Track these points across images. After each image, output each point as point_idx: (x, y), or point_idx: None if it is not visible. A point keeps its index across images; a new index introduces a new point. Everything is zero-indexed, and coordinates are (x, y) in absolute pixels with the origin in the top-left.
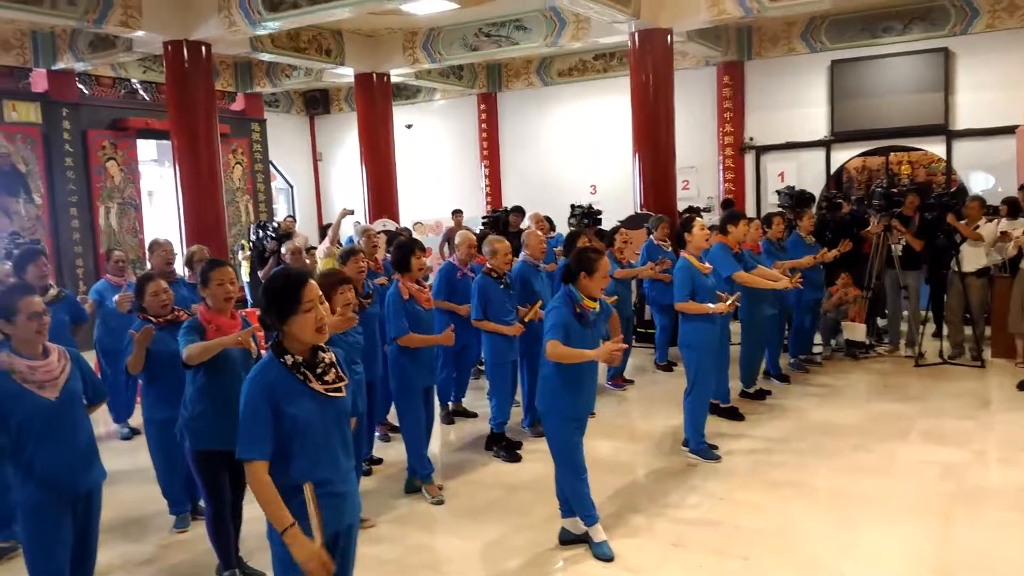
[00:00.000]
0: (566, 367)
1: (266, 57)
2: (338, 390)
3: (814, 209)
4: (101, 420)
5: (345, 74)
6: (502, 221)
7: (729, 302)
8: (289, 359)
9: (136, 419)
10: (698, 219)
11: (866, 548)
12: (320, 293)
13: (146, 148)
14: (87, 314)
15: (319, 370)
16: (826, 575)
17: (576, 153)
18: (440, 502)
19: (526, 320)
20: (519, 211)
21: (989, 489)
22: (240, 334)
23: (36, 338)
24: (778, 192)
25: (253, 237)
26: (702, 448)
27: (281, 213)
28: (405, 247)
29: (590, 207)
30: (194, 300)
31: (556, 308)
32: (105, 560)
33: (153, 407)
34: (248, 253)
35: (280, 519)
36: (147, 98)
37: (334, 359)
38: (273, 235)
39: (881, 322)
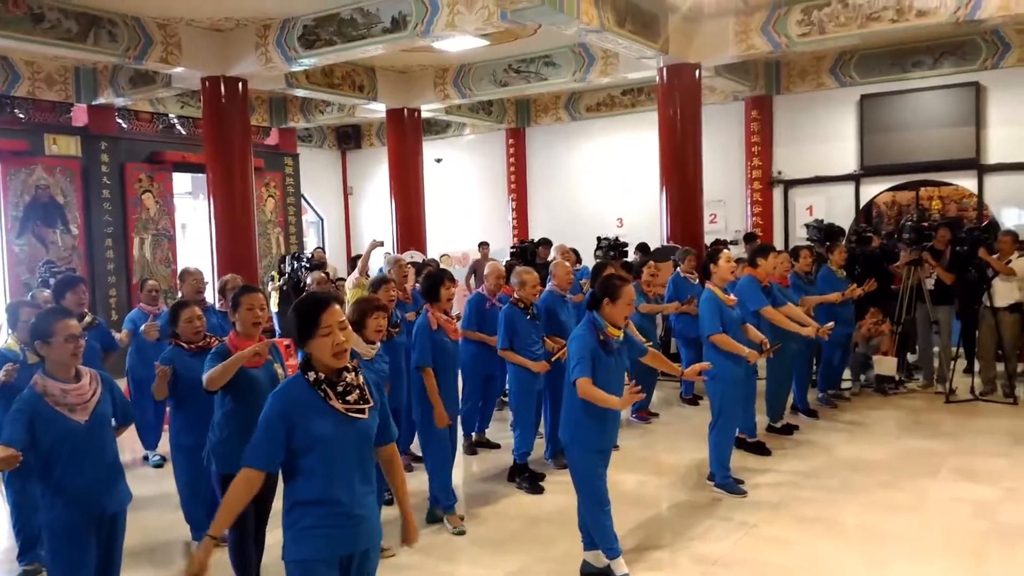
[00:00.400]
0: (593, 405)
1: (301, 93)
2: (360, 411)
3: (843, 243)
4: (129, 447)
5: (377, 110)
6: (530, 252)
7: (766, 350)
8: (312, 375)
9: (164, 445)
10: (725, 251)
11: None
12: (342, 318)
13: (181, 181)
14: (118, 343)
15: (340, 389)
16: None
17: (603, 187)
18: (461, 532)
19: (553, 359)
20: (547, 243)
21: (1022, 528)
22: (257, 345)
23: (71, 361)
24: (807, 226)
25: (288, 268)
26: (728, 482)
27: (311, 245)
28: (435, 277)
29: (616, 239)
30: (224, 328)
31: (580, 336)
32: None
33: (180, 433)
34: (278, 284)
35: (218, 526)
36: (183, 132)
37: (361, 381)
38: (307, 266)
39: (911, 358)
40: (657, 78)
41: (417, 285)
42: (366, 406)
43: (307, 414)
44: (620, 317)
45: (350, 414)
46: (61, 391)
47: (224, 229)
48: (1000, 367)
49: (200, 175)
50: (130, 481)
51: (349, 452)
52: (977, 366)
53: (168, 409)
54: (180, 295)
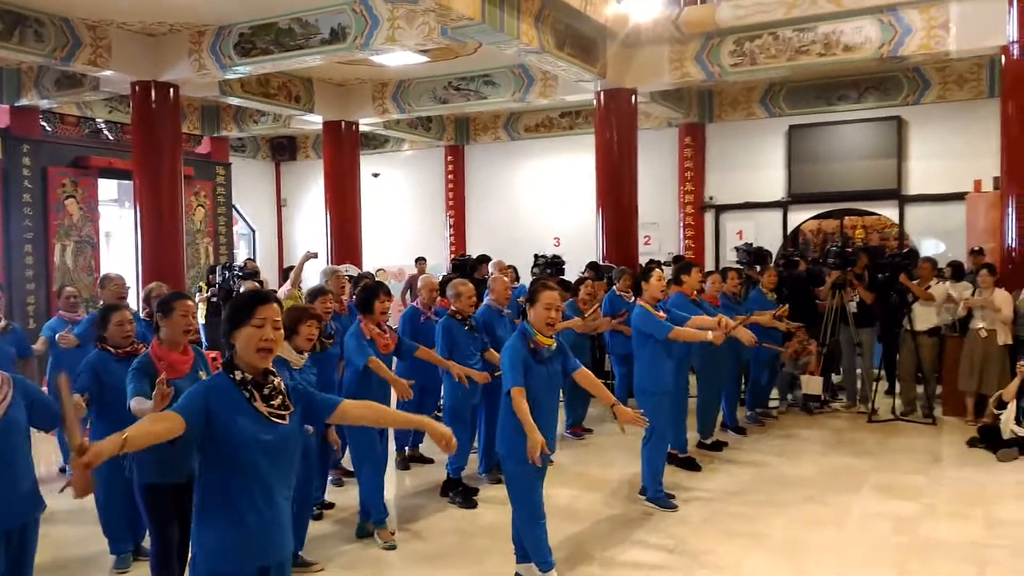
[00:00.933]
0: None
1: (235, 101)
2: (282, 417)
3: (772, 266)
4: (44, 459)
5: (314, 121)
6: (469, 267)
7: (733, 326)
8: (239, 375)
9: None
10: (657, 270)
11: None
12: (278, 318)
13: (107, 188)
14: (32, 350)
15: (266, 391)
16: None
17: (541, 206)
18: (392, 547)
19: (496, 374)
20: (486, 260)
21: (941, 542)
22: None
23: None
24: (736, 249)
25: (219, 278)
26: (660, 496)
27: (242, 257)
28: (370, 290)
29: (554, 257)
30: (147, 336)
31: (511, 346)
32: None
33: (100, 439)
34: (205, 295)
35: (130, 439)
36: (111, 137)
37: (283, 387)
38: (240, 274)
39: (836, 378)
40: (595, 101)
41: (353, 297)
42: (287, 412)
43: (229, 411)
44: (541, 320)
45: (273, 419)
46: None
47: (151, 237)
48: (920, 388)
49: (127, 182)
50: (45, 494)
51: (268, 458)
52: (898, 387)
53: (89, 416)
54: (101, 302)
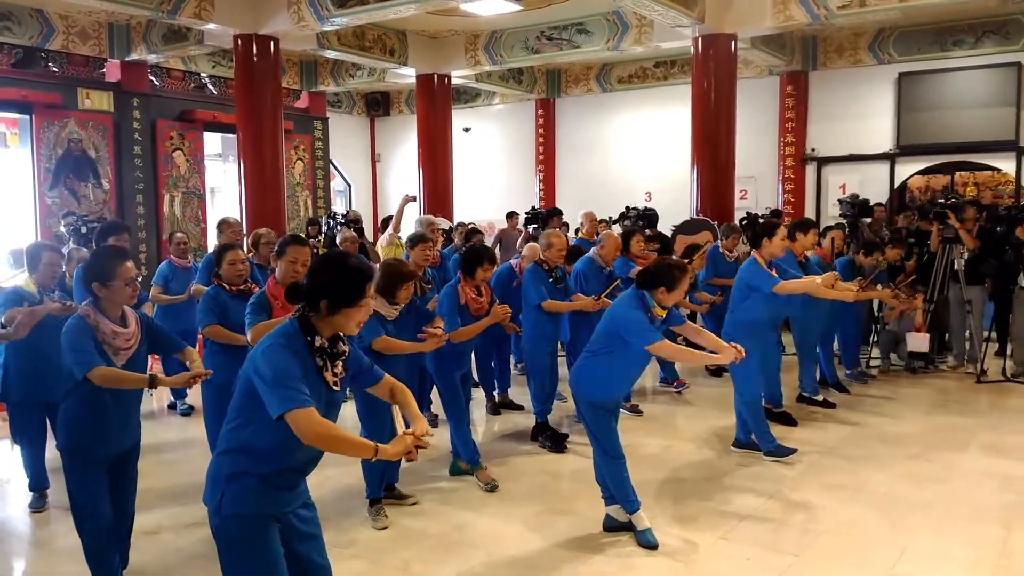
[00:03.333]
0: (622, 368)
1: (332, 54)
2: (337, 384)
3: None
4: (156, 396)
5: (407, 74)
6: (542, 219)
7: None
8: (318, 340)
9: (192, 396)
10: (782, 227)
11: (922, 552)
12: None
13: (211, 143)
14: (145, 295)
15: (335, 362)
16: (882, 575)
17: (632, 160)
18: (493, 488)
19: (605, 295)
20: (558, 213)
21: None
22: None
23: (127, 303)
24: (840, 201)
25: (324, 227)
26: (774, 447)
27: (339, 210)
28: (477, 254)
29: (645, 209)
30: (257, 279)
31: (630, 307)
32: (155, 520)
33: (213, 371)
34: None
35: (363, 446)
36: (215, 92)
37: (347, 354)
38: (343, 222)
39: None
40: (692, 48)
41: (458, 247)
42: (340, 378)
43: (307, 376)
44: (672, 302)
45: (335, 388)
46: (112, 332)
47: (254, 189)
48: None
49: (230, 136)
50: (156, 429)
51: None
52: (1009, 348)
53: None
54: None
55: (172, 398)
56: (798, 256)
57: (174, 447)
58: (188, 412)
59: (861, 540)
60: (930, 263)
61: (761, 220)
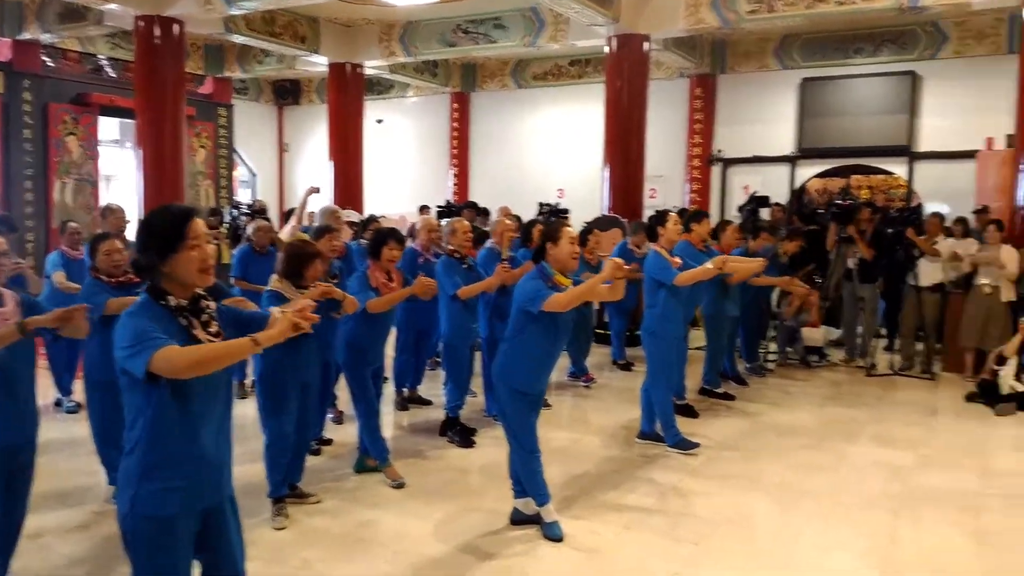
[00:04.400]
0: (535, 346)
1: (239, 39)
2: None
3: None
4: (41, 392)
5: (319, 63)
6: (454, 215)
7: (723, 260)
8: (172, 300)
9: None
10: (672, 213)
11: (815, 539)
12: (206, 232)
13: (107, 129)
14: (26, 283)
15: (204, 318)
16: (776, 563)
17: (546, 157)
18: (401, 485)
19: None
20: (474, 207)
21: (935, 491)
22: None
23: None
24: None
25: (228, 217)
26: (680, 440)
27: (244, 200)
28: (382, 235)
29: (557, 206)
30: None
31: (534, 283)
32: (38, 524)
33: (96, 368)
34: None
35: (240, 346)
36: (113, 75)
37: (214, 312)
38: (248, 212)
39: (836, 333)
40: (606, 47)
41: (362, 241)
42: (220, 338)
43: (174, 342)
44: (567, 259)
45: None
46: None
47: (152, 177)
48: (920, 345)
49: (128, 121)
50: (41, 427)
51: (212, 390)
52: (898, 343)
53: (86, 347)
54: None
55: (58, 395)
56: (697, 246)
57: (59, 446)
58: (75, 410)
59: (757, 529)
60: (825, 261)
61: None
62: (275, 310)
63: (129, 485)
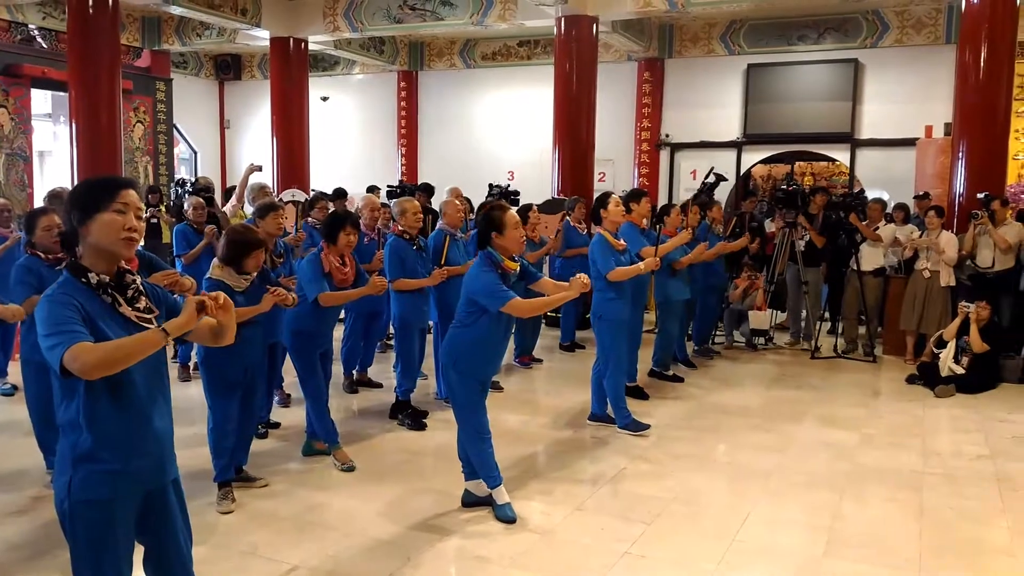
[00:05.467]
0: (487, 335)
1: (177, 11)
2: (149, 321)
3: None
4: None
5: (260, 36)
6: (408, 193)
7: (654, 258)
8: (93, 277)
9: (15, 375)
10: (615, 196)
11: (763, 517)
12: (141, 207)
13: (40, 103)
14: None
15: (129, 294)
16: (725, 540)
17: (496, 138)
18: (350, 469)
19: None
20: (427, 189)
21: (879, 469)
22: None
23: None
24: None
25: (173, 195)
26: (630, 421)
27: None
28: (338, 219)
29: (507, 187)
30: None
31: (481, 271)
32: None
33: (34, 348)
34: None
35: (147, 339)
36: (45, 46)
37: (143, 287)
38: (190, 190)
39: (782, 316)
40: (555, 28)
41: (311, 219)
42: (153, 315)
43: (97, 320)
44: (514, 244)
45: (142, 323)
46: None
47: (87, 152)
48: (862, 328)
49: (61, 94)
50: None
51: (148, 370)
52: (840, 327)
53: (20, 326)
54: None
55: None
56: (639, 225)
57: None
58: (11, 392)
59: (707, 507)
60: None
61: None
62: (191, 298)
63: (65, 469)
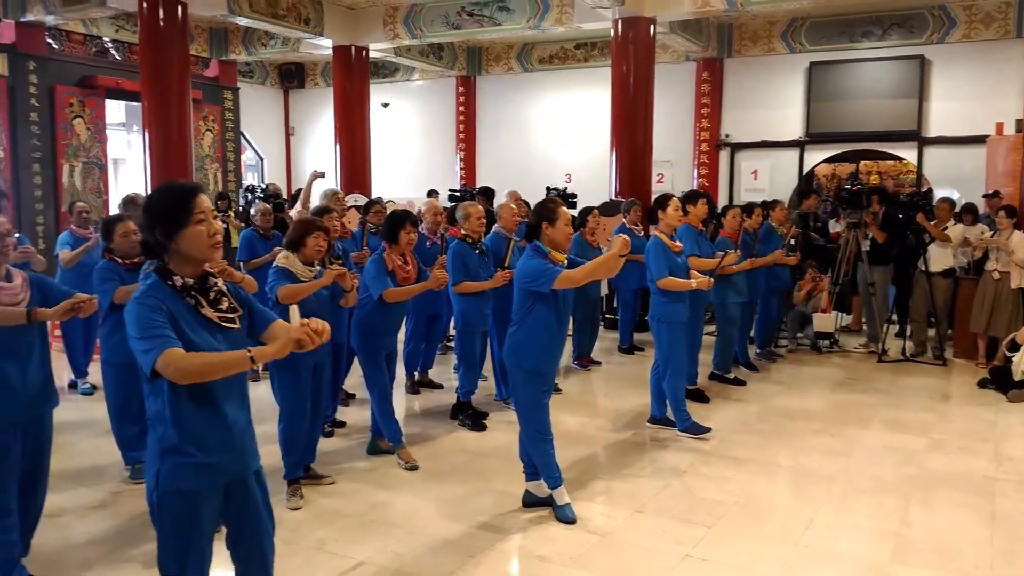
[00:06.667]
0: (543, 325)
1: (243, 21)
2: (232, 321)
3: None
4: (56, 374)
5: (323, 45)
6: (469, 197)
7: (718, 264)
8: (178, 280)
9: (94, 375)
10: (674, 199)
11: (828, 522)
12: (211, 208)
13: (114, 112)
14: (32, 263)
15: (212, 296)
16: (789, 545)
17: (553, 141)
18: (414, 468)
19: (505, 266)
20: (486, 193)
21: (947, 474)
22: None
23: (2, 259)
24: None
25: (243, 201)
26: (690, 424)
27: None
28: (398, 218)
29: (565, 190)
30: None
31: (533, 261)
32: (57, 503)
33: (113, 350)
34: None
35: (234, 360)
36: (118, 57)
37: (225, 288)
38: (262, 196)
39: (846, 319)
40: (612, 30)
41: (371, 226)
42: (236, 315)
43: (182, 322)
44: (562, 238)
45: (224, 323)
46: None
47: (159, 160)
48: (931, 330)
49: (134, 104)
50: (57, 409)
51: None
52: (909, 329)
53: (100, 328)
54: None
55: (73, 377)
56: (697, 227)
57: (75, 428)
58: (91, 392)
59: (770, 512)
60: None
61: None
62: (281, 323)
63: (154, 461)
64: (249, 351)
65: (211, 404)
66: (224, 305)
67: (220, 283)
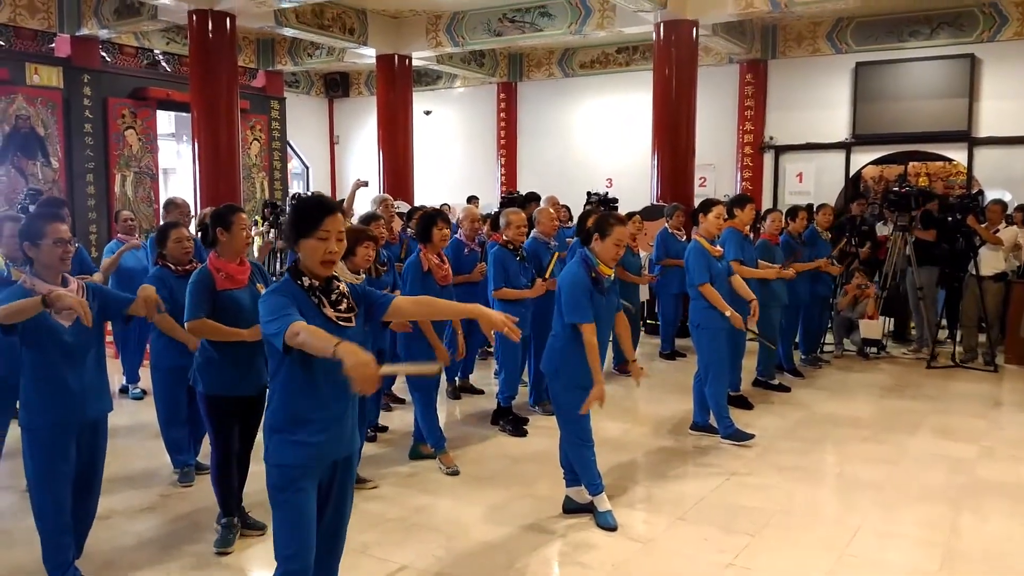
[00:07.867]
0: (581, 340)
1: (289, 32)
2: (349, 320)
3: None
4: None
5: (367, 54)
6: (518, 203)
7: (750, 325)
8: (306, 281)
9: (144, 380)
10: (718, 205)
11: (874, 530)
12: (342, 229)
13: (164, 123)
14: (93, 267)
15: (333, 297)
16: (834, 553)
17: (594, 146)
18: (455, 472)
19: (547, 276)
20: (535, 198)
21: (998, 483)
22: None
23: (59, 265)
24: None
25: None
26: (733, 431)
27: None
28: (429, 217)
29: (606, 195)
30: (202, 259)
31: (573, 274)
32: (107, 505)
33: (162, 354)
34: (261, 229)
35: (323, 344)
36: (168, 69)
37: (346, 290)
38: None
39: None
40: (654, 34)
41: (409, 230)
42: (353, 314)
43: (306, 316)
44: (608, 255)
45: (341, 323)
46: (49, 292)
47: (208, 170)
48: (982, 336)
49: (184, 115)
50: (111, 412)
51: (338, 364)
52: (958, 334)
53: (151, 334)
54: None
55: (124, 382)
56: (743, 231)
57: (126, 432)
58: (140, 396)
59: (815, 520)
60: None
61: None
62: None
63: (268, 436)
64: (335, 344)
65: (317, 390)
66: (343, 306)
67: (342, 286)
